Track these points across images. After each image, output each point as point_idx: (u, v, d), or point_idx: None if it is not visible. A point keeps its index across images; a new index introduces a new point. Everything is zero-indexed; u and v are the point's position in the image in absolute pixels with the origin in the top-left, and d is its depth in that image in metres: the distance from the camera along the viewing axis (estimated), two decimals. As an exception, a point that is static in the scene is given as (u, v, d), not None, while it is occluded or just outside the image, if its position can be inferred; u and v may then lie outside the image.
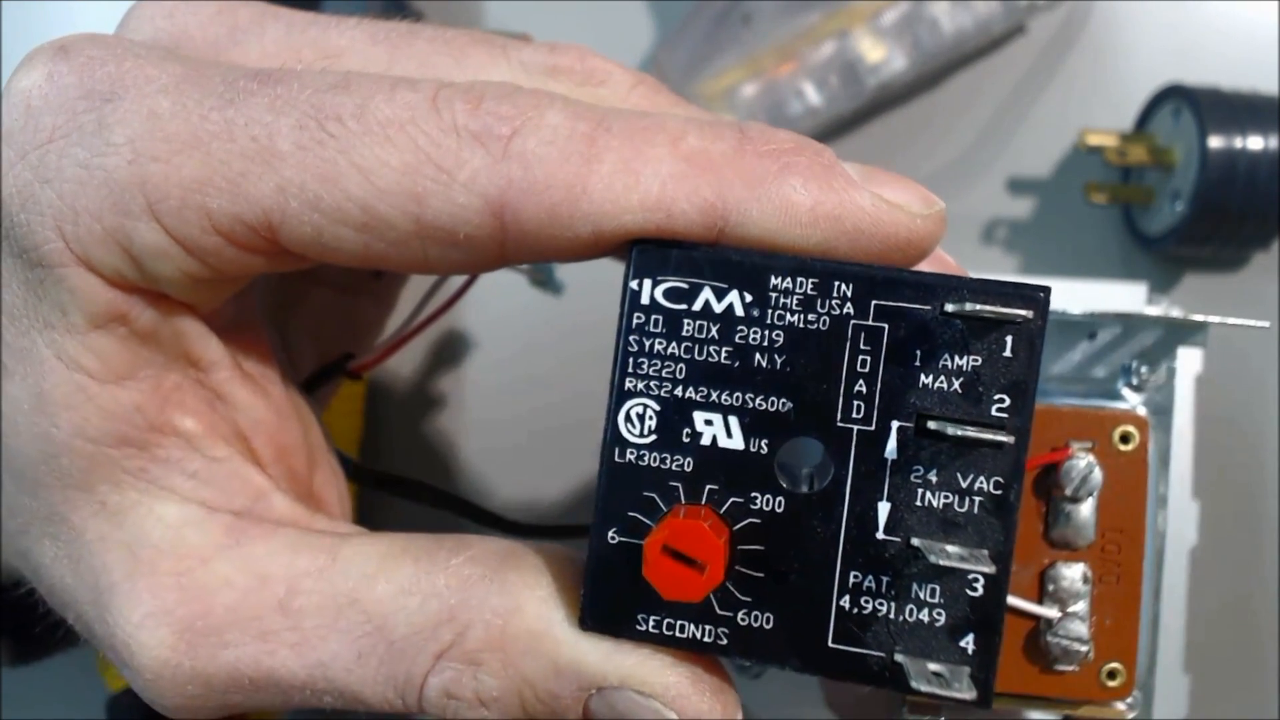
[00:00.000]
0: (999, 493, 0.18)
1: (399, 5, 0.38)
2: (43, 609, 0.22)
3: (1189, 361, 0.25)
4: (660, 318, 0.19)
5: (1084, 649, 0.22)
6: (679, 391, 0.19)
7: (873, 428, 0.18)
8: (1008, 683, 0.23)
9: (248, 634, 0.20)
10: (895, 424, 0.18)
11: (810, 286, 0.18)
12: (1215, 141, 0.34)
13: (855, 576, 0.18)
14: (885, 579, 0.18)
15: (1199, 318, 0.25)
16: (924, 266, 0.20)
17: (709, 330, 0.19)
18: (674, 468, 0.19)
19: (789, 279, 0.18)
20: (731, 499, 0.18)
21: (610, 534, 0.19)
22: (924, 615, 0.18)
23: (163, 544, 0.20)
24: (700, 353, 0.19)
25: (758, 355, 0.18)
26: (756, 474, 0.18)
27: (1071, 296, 0.27)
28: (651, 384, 0.19)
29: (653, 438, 0.19)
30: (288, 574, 0.20)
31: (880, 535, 0.18)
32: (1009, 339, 0.18)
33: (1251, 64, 0.38)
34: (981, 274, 0.19)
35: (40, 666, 0.30)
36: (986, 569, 0.18)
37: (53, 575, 0.21)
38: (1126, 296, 0.29)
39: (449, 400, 0.41)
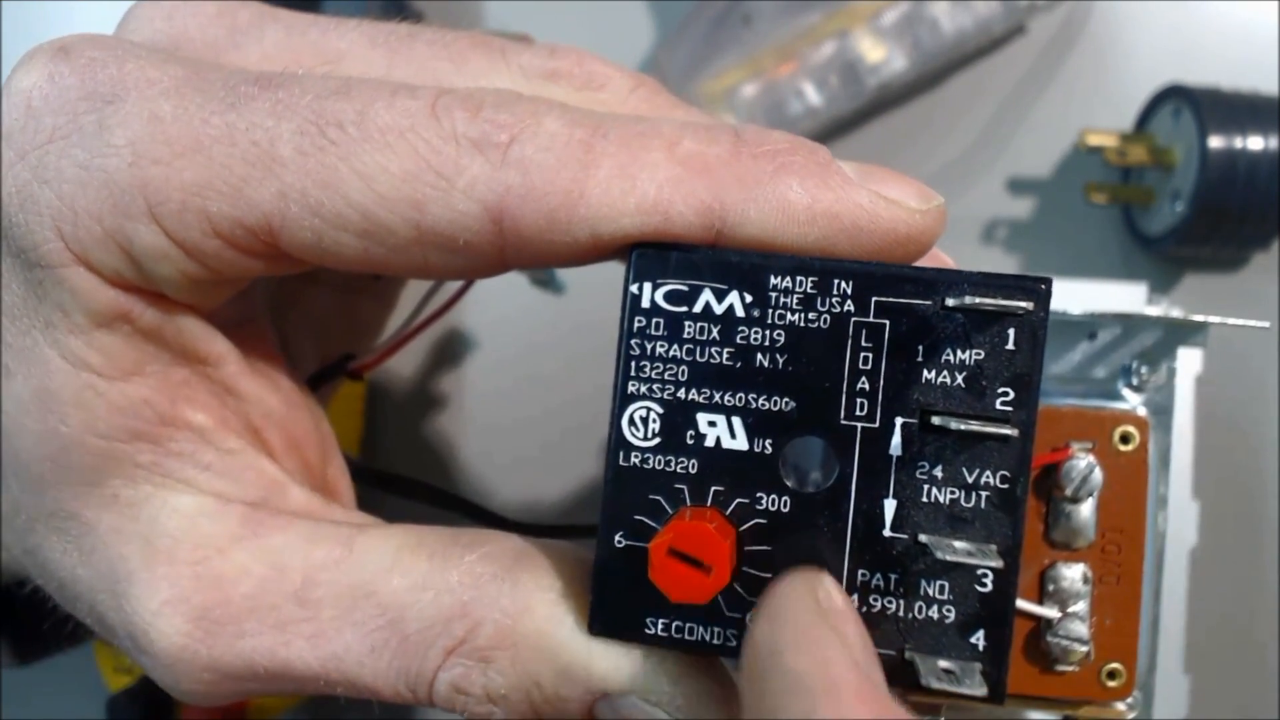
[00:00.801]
0: (1005, 486, 0.18)
1: (399, 5, 0.38)
2: (49, 606, 0.22)
3: (1189, 362, 0.25)
4: (661, 320, 0.19)
5: (1084, 649, 0.22)
6: (682, 394, 0.19)
7: (877, 425, 0.18)
8: (1008, 683, 0.23)
9: (265, 624, 0.20)
10: (899, 420, 0.18)
11: (810, 285, 0.18)
12: (1215, 142, 0.34)
13: (863, 575, 0.18)
14: (893, 576, 0.18)
15: (1199, 318, 0.25)
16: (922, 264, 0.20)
17: (710, 332, 0.19)
18: (679, 470, 0.19)
19: (788, 278, 0.18)
20: (737, 500, 0.18)
21: (617, 538, 0.19)
22: (933, 612, 0.18)
23: (179, 534, 0.20)
24: (702, 354, 0.19)
25: (759, 355, 0.18)
26: (761, 474, 0.18)
27: (1071, 297, 0.27)
28: (654, 387, 0.19)
29: (657, 441, 0.19)
30: (304, 565, 0.20)
31: (887, 533, 0.18)
32: (1011, 332, 0.18)
33: (1251, 64, 0.38)
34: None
35: (40, 666, 0.30)
36: (995, 564, 0.18)
37: (63, 569, 0.21)
38: (1126, 297, 0.29)
39: (449, 400, 0.41)
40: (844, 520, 0.18)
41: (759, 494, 0.18)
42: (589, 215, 0.18)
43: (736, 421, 0.18)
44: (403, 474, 0.32)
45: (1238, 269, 0.38)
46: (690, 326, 0.19)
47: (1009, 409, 0.18)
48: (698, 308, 0.19)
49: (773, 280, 0.18)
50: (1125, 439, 0.23)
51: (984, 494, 0.18)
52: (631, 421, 0.19)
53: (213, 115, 0.18)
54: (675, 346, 0.19)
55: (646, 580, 0.18)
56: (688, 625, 0.19)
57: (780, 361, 0.18)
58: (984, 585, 0.18)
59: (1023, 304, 0.17)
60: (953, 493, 0.18)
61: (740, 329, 0.18)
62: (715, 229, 0.18)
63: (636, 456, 0.19)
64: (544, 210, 0.18)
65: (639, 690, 0.19)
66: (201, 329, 0.21)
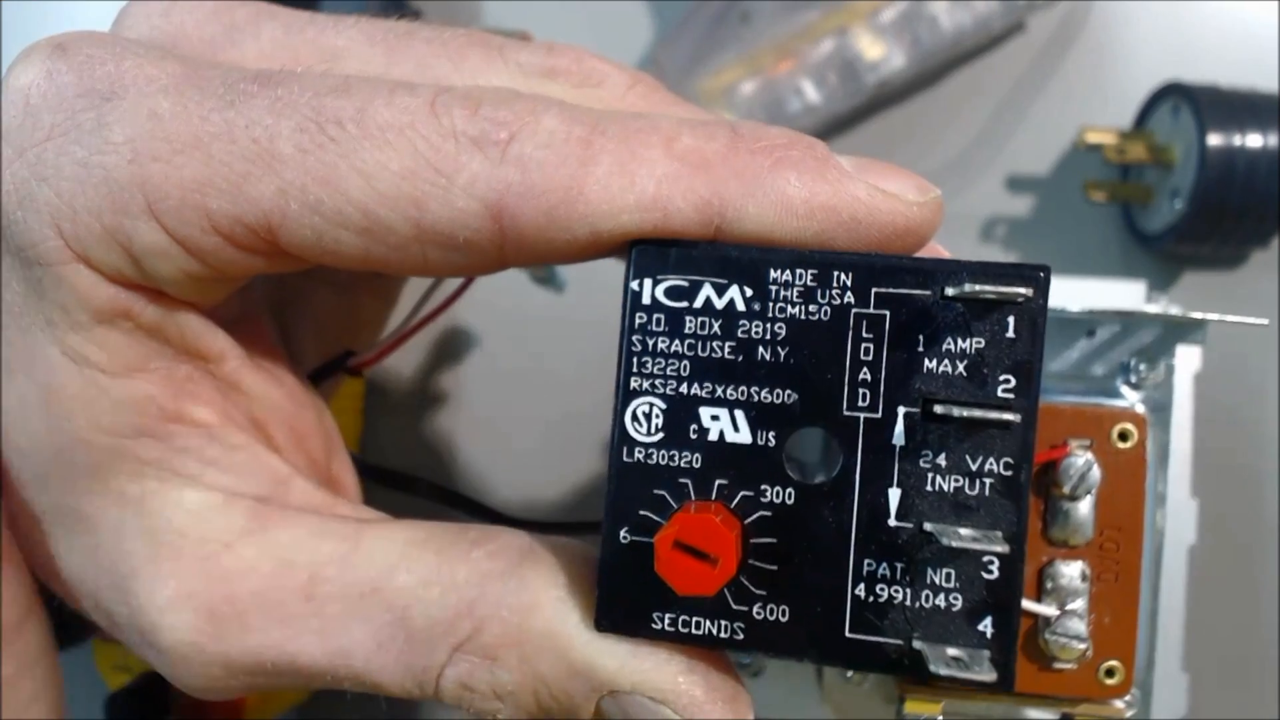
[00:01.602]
0: (1009, 474, 0.18)
1: (397, 4, 0.38)
2: (54, 604, 0.22)
3: (1188, 359, 0.25)
4: (662, 316, 0.19)
5: (1082, 647, 0.22)
6: (684, 388, 0.19)
7: (879, 415, 0.18)
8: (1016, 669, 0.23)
9: (271, 619, 0.20)
10: (902, 410, 0.18)
11: (810, 278, 0.18)
12: (1214, 139, 0.34)
13: (869, 565, 0.18)
14: (900, 566, 0.18)
15: (1198, 315, 0.25)
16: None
17: (711, 326, 0.19)
18: (682, 464, 0.19)
19: (788, 271, 0.18)
20: (741, 493, 0.18)
21: (622, 534, 0.19)
22: (940, 600, 0.18)
23: (185, 529, 0.20)
24: (704, 349, 0.19)
25: (761, 349, 0.18)
26: (765, 467, 0.18)
27: (1070, 294, 0.27)
28: (656, 382, 0.19)
29: (660, 436, 0.19)
30: (311, 560, 0.20)
31: (892, 522, 0.18)
32: (1011, 319, 0.18)
33: (1251, 63, 0.38)
34: None
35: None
36: (1000, 549, 0.18)
37: (68, 566, 0.21)
38: (1125, 294, 0.29)
39: (449, 398, 0.41)
40: (849, 511, 0.18)
41: (763, 487, 0.18)
42: (588, 212, 0.18)
43: (739, 415, 0.18)
44: (403, 471, 0.32)
45: (1237, 266, 0.38)
46: (691, 321, 0.19)
47: (1010, 396, 0.18)
48: (698, 303, 0.19)
49: (772, 274, 0.18)
50: (1124, 436, 0.23)
51: (988, 481, 0.18)
52: (634, 417, 0.19)
53: (212, 112, 0.18)
54: (677, 342, 0.19)
55: (652, 575, 0.18)
56: (694, 620, 0.19)
57: (782, 354, 0.18)
58: (990, 572, 0.18)
59: (1021, 290, 0.17)
60: (957, 481, 0.18)
61: (741, 323, 0.18)
62: (714, 224, 0.18)
63: (640, 452, 0.19)
64: (543, 207, 0.18)
65: (645, 688, 0.19)
66: (203, 325, 0.21)
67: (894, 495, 0.18)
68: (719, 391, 0.19)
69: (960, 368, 0.18)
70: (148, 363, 0.20)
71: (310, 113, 0.18)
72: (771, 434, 0.18)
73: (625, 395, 0.19)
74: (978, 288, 0.17)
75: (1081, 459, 0.23)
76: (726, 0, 0.38)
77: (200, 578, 0.20)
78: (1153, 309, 0.26)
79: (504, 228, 0.18)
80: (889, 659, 0.18)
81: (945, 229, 0.19)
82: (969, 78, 0.40)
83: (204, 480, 0.21)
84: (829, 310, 0.18)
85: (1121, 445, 0.23)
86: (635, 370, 0.19)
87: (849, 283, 0.18)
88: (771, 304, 0.18)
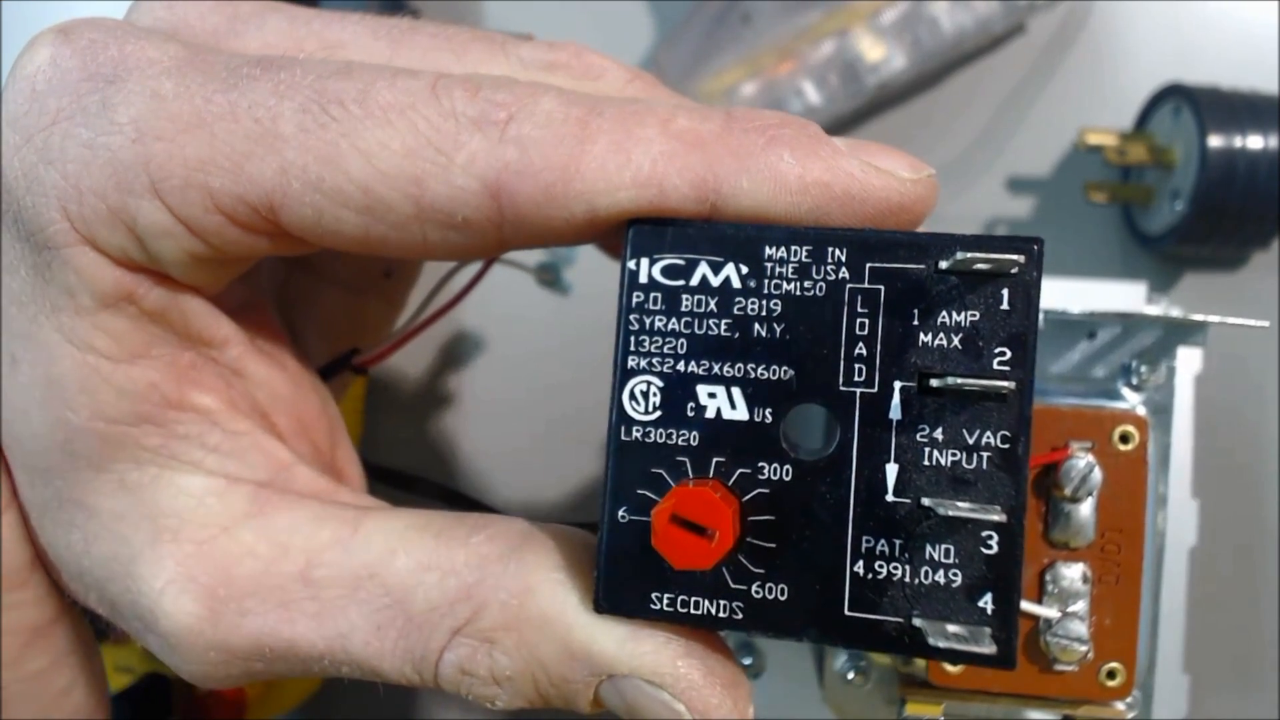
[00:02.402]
0: (1007, 446, 0.18)
1: (398, 4, 0.38)
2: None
3: (1188, 361, 0.25)
4: (659, 295, 0.19)
5: (1083, 649, 0.22)
6: (681, 366, 0.19)
7: (875, 390, 0.18)
8: (1007, 682, 0.23)
9: (268, 603, 0.20)
10: (898, 384, 0.18)
11: (805, 254, 0.18)
12: (1215, 141, 0.34)
13: (868, 541, 0.18)
14: (898, 542, 0.18)
15: (1198, 317, 0.25)
16: None
17: (708, 304, 0.19)
18: (680, 442, 0.19)
19: (783, 248, 0.18)
20: (739, 470, 0.18)
21: (620, 513, 0.19)
22: (939, 577, 0.18)
23: (185, 513, 0.21)
24: (700, 327, 0.19)
25: (757, 325, 0.18)
26: (762, 444, 0.18)
27: (1071, 296, 0.27)
28: (654, 361, 0.19)
29: (658, 414, 0.19)
30: (309, 545, 0.20)
31: (890, 497, 0.18)
32: (1005, 291, 0.18)
33: (1251, 64, 0.38)
34: None
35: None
36: (999, 518, 0.18)
37: (71, 556, 0.21)
38: (1126, 296, 0.29)
39: (451, 399, 0.41)
40: (846, 487, 0.18)
41: (761, 464, 0.18)
42: (585, 189, 0.18)
43: (736, 392, 0.19)
44: (405, 470, 0.32)
45: (1237, 268, 0.38)
46: (688, 300, 0.19)
47: (1006, 368, 0.18)
48: (695, 281, 0.19)
49: (768, 250, 0.18)
50: (1125, 438, 0.23)
51: (985, 455, 0.18)
52: (632, 396, 0.19)
53: (215, 94, 0.19)
54: (674, 320, 0.19)
55: (651, 556, 0.18)
56: (693, 599, 0.19)
57: (778, 331, 0.18)
58: (989, 547, 0.18)
59: (1014, 257, 0.17)
60: (954, 455, 0.18)
61: (737, 300, 0.19)
62: (710, 201, 0.18)
63: (638, 430, 0.19)
64: (541, 185, 0.18)
65: (643, 671, 0.19)
66: (207, 311, 0.21)
67: (891, 471, 0.18)
68: (716, 369, 0.19)
69: (955, 341, 0.18)
70: (151, 349, 0.20)
71: (312, 94, 0.19)
72: (768, 411, 0.18)
73: (623, 374, 0.19)
74: (971, 255, 0.17)
75: (1083, 461, 0.23)
76: (727, 1, 0.38)
77: (198, 562, 0.20)
78: (1153, 311, 0.26)
79: (502, 205, 0.18)
80: (889, 636, 0.18)
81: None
82: (970, 79, 0.40)
83: (205, 466, 0.21)
84: (824, 286, 0.18)
85: (1123, 447, 0.23)
86: (633, 349, 0.19)
87: (843, 258, 0.18)
88: (767, 281, 0.18)
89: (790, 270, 0.18)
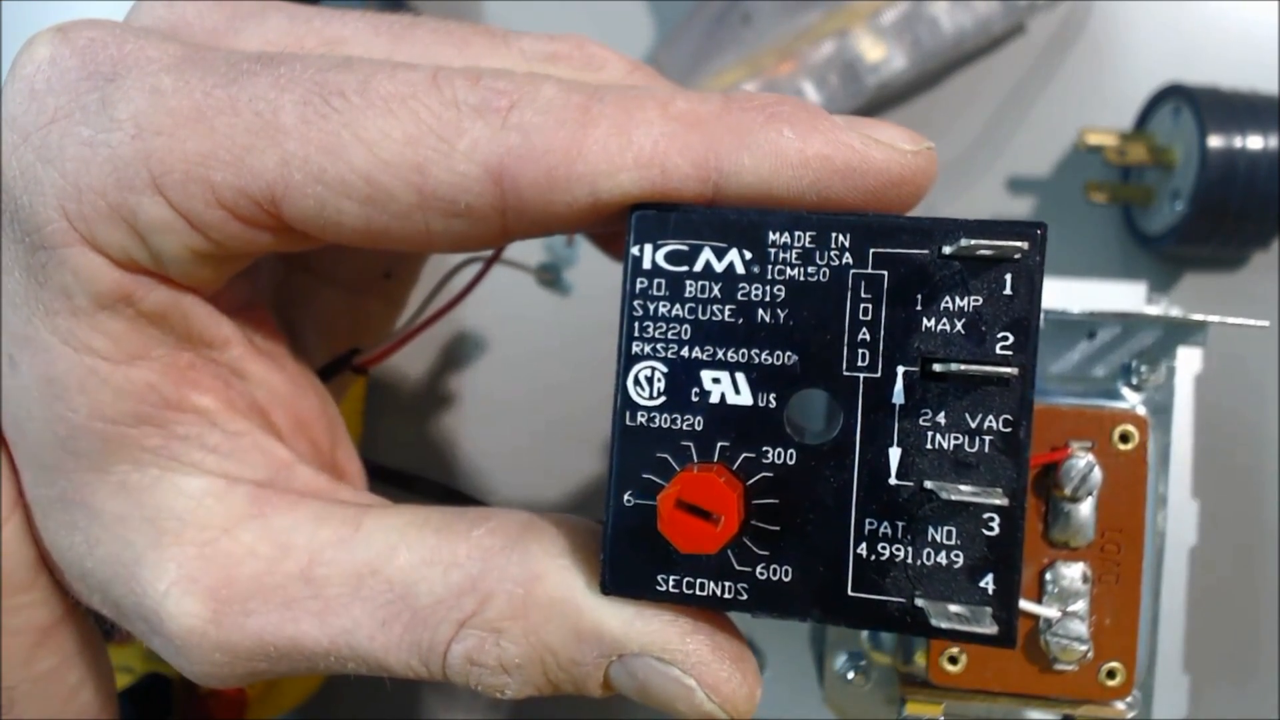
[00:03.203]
0: (1009, 430, 0.18)
1: (398, 4, 0.38)
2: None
3: (1188, 361, 0.25)
4: (663, 281, 0.19)
5: (1083, 648, 0.22)
6: (685, 352, 0.19)
7: (879, 374, 0.18)
8: (1007, 682, 0.23)
9: (271, 602, 0.20)
10: (901, 369, 0.18)
11: (808, 239, 0.18)
12: (1215, 141, 0.34)
13: (871, 524, 0.18)
14: (901, 524, 0.18)
15: (1198, 317, 0.25)
16: None
17: (711, 290, 0.19)
18: (685, 428, 0.19)
19: (786, 233, 0.18)
20: (743, 455, 0.19)
21: (626, 497, 0.19)
22: (941, 558, 0.18)
23: (186, 515, 0.21)
24: (704, 312, 0.19)
25: (761, 311, 0.19)
26: (766, 428, 0.18)
27: (1071, 295, 0.27)
28: (658, 346, 0.19)
29: (662, 399, 0.19)
30: (310, 544, 0.20)
31: (893, 481, 0.18)
32: (1008, 277, 0.18)
33: (1251, 64, 0.38)
34: None
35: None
36: (1000, 501, 0.18)
37: (74, 559, 0.21)
38: (1126, 296, 0.29)
39: (451, 399, 0.41)
40: (849, 470, 0.18)
41: (764, 448, 0.18)
42: (587, 171, 0.18)
43: (740, 377, 0.19)
44: (405, 470, 0.32)
45: (1237, 268, 0.38)
46: (691, 285, 0.19)
47: (1009, 353, 0.18)
48: (698, 267, 0.19)
49: (771, 236, 0.18)
50: (1125, 438, 0.23)
51: (987, 438, 0.18)
52: (636, 381, 0.19)
53: (215, 88, 0.19)
54: (677, 306, 0.19)
55: (656, 538, 0.18)
56: (698, 581, 0.19)
57: (781, 316, 0.18)
58: (991, 529, 0.18)
59: (1017, 243, 0.17)
60: (956, 438, 0.18)
61: (741, 286, 0.19)
62: (711, 180, 0.18)
63: (643, 416, 0.19)
64: (543, 169, 0.18)
65: (653, 649, 0.19)
66: (206, 312, 0.21)
67: (894, 454, 0.18)
68: (720, 354, 0.19)
69: (958, 326, 0.18)
70: (149, 350, 0.20)
71: (313, 85, 0.19)
72: (772, 395, 0.18)
73: (627, 360, 0.19)
74: (974, 241, 0.18)
75: (1083, 460, 0.23)
76: (727, 1, 0.38)
77: (200, 563, 0.20)
78: (1153, 311, 0.26)
79: (505, 191, 0.18)
80: (891, 616, 0.18)
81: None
82: (970, 79, 0.40)
83: (205, 467, 0.21)
84: (827, 271, 0.18)
85: (1123, 447, 0.23)
86: (637, 335, 0.19)
87: (847, 243, 0.18)
88: (771, 266, 0.19)
89: (794, 255, 0.18)
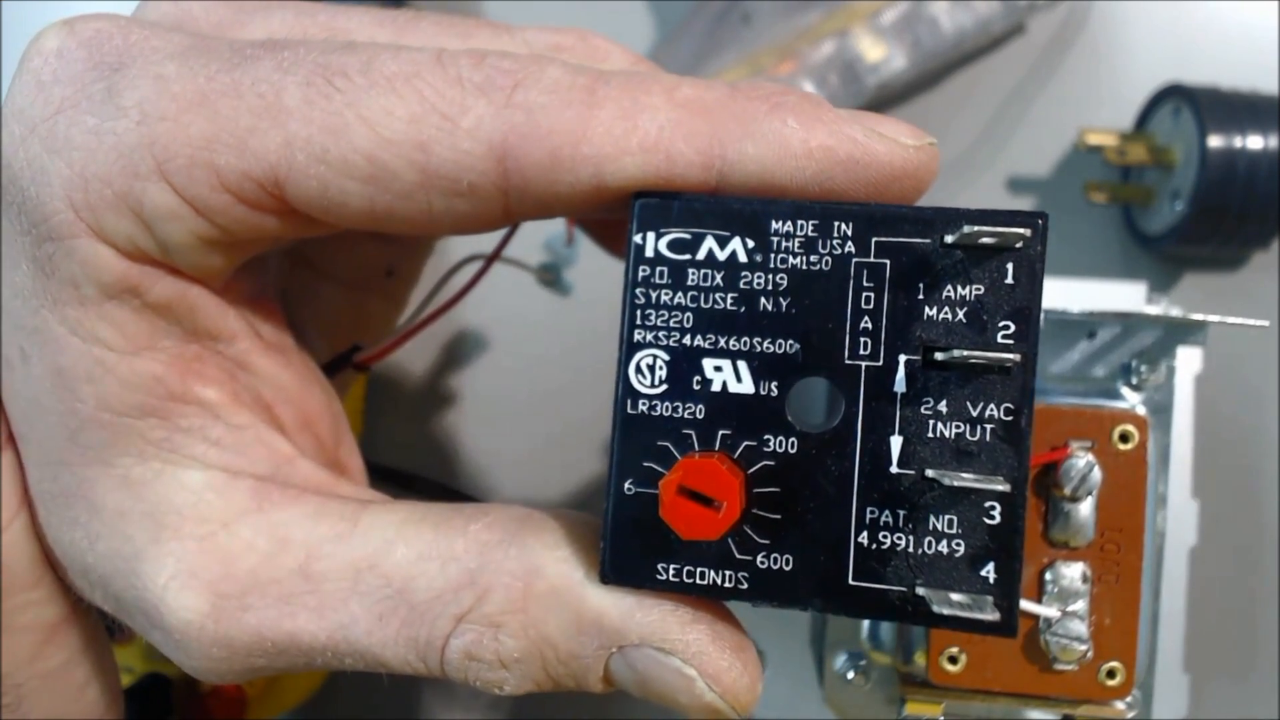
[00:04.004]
0: (1010, 419, 0.18)
1: (398, 4, 0.38)
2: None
3: (1188, 361, 0.25)
4: (665, 269, 0.19)
5: (1083, 648, 0.22)
6: (687, 340, 0.19)
7: (880, 363, 0.18)
8: (1007, 682, 0.23)
9: (268, 597, 0.20)
10: (903, 358, 0.18)
11: (811, 228, 0.18)
12: (1215, 141, 0.34)
13: (872, 512, 0.18)
14: (902, 513, 0.18)
15: (1198, 317, 0.25)
16: None
17: (714, 278, 0.19)
18: (686, 416, 0.19)
19: (789, 222, 0.18)
20: (745, 443, 0.19)
21: (627, 485, 0.19)
22: (943, 546, 0.18)
23: (185, 509, 0.21)
24: (706, 301, 0.19)
25: (763, 299, 0.19)
26: (768, 417, 0.18)
27: (1071, 295, 0.27)
28: (660, 334, 0.19)
29: (664, 387, 0.19)
30: (308, 539, 0.20)
31: (894, 469, 0.18)
32: (1010, 266, 0.18)
33: (1251, 64, 0.38)
34: None
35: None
36: (1001, 487, 0.18)
37: (75, 554, 0.21)
38: (1126, 296, 0.29)
39: (451, 398, 0.41)
40: (851, 459, 0.18)
41: (766, 436, 0.18)
42: (592, 154, 0.18)
43: (742, 365, 0.19)
44: (404, 469, 0.32)
45: (1237, 268, 0.38)
46: (694, 274, 0.19)
47: (1010, 341, 0.18)
48: (701, 255, 0.19)
49: (774, 225, 0.19)
50: (1124, 438, 0.23)
51: (988, 427, 0.18)
52: (638, 369, 0.19)
53: (218, 73, 0.19)
54: (680, 294, 0.19)
55: (657, 527, 0.18)
56: (699, 570, 0.19)
57: (784, 305, 0.18)
58: (992, 517, 0.18)
59: (1019, 230, 0.18)
60: (958, 427, 0.18)
61: (743, 274, 0.19)
62: (715, 169, 0.18)
63: (644, 404, 0.19)
64: (548, 149, 0.18)
65: (653, 639, 0.19)
66: (214, 304, 0.21)
67: (896, 443, 0.18)
68: (722, 342, 0.19)
69: (960, 314, 0.18)
70: (155, 341, 0.20)
71: (316, 67, 0.19)
72: (774, 384, 0.18)
73: (629, 348, 0.19)
74: (976, 229, 0.18)
75: (1082, 460, 0.23)
76: (727, 1, 0.38)
77: (198, 557, 0.20)
78: (1153, 310, 0.26)
79: (508, 170, 0.18)
80: (892, 605, 0.18)
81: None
82: (969, 79, 0.40)
83: (207, 460, 0.21)
84: (830, 260, 0.18)
85: (1122, 447, 0.23)
86: (639, 323, 0.19)
87: (849, 232, 0.18)
88: (773, 255, 0.19)
89: (796, 244, 0.18)
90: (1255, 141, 0.34)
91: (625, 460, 0.19)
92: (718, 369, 0.19)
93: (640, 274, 0.19)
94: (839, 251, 0.18)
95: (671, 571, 0.19)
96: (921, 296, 0.18)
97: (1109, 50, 0.39)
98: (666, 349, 0.19)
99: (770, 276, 0.19)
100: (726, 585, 0.19)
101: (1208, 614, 0.32)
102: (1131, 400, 0.25)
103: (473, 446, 0.41)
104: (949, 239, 0.18)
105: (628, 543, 0.19)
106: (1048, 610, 0.23)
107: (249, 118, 0.18)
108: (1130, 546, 0.23)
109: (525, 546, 0.20)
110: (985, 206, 0.18)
